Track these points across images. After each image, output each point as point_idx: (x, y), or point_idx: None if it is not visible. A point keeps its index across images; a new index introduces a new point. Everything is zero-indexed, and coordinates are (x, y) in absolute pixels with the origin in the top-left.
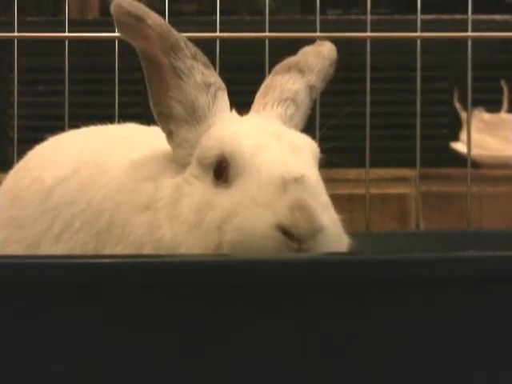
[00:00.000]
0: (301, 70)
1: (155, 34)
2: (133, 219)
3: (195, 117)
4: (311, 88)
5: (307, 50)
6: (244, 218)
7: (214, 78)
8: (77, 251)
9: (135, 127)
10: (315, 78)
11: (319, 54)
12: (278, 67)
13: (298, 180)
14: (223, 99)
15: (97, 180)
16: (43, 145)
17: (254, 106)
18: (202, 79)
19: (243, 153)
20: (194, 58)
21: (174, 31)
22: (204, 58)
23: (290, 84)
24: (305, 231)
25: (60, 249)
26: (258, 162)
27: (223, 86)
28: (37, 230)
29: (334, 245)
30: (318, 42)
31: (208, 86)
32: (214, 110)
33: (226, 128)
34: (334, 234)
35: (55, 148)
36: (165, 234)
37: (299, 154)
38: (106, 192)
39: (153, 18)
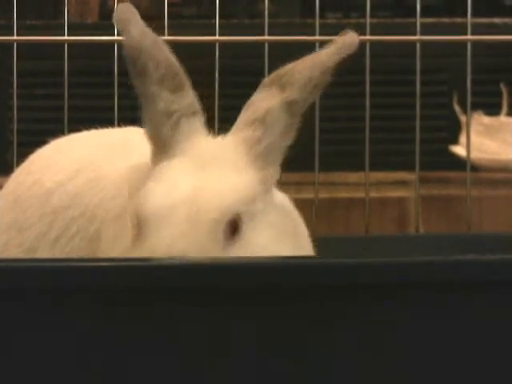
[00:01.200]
0: (282, 85)
1: (127, 55)
2: (107, 229)
3: (159, 145)
4: (290, 104)
5: (304, 59)
6: None
7: (179, 104)
8: (73, 256)
9: (137, 131)
10: (296, 93)
11: (310, 64)
12: (265, 80)
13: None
14: (189, 126)
15: (94, 185)
16: (45, 148)
17: (235, 124)
18: (165, 107)
19: (141, 224)
20: (160, 83)
21: (145, 53)
22: (173, 82)
23: (264, 102)
24: None
25: (57, 254)
26: (145, 240)
27: (192, 109)
28: (35, 234)
29: None
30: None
31: (170, 114)
32: (176, 140)
33: (143, 194)
34: None
35: (56, 151)
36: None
37: (192, 228)
38: (101, 197)
39: (128, 37)
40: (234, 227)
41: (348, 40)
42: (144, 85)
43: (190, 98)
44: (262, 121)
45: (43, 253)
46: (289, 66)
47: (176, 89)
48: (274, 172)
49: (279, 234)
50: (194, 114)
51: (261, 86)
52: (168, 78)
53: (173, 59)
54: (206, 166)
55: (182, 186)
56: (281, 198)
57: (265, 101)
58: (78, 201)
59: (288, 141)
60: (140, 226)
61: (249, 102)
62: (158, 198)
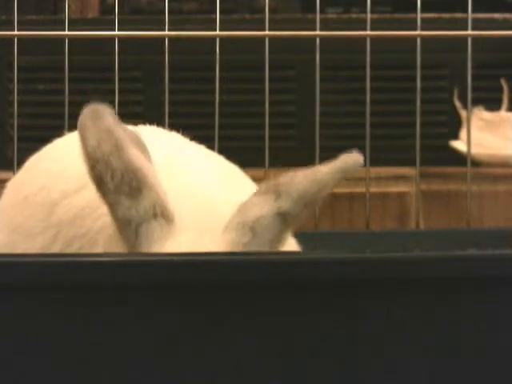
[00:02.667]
0: (278, 193)
1: (86, 162)
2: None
3: (126, 247)
4: (284, 215)
5: (305, 171)
6: None
7: (137, 209)
8: None
9: (156, 132)
10: (291, 204)
11: (310, 178)
12: (262, 185)
13: None
14: (149, 232)
15: (99, 204)
16: (57, 143)
17: (225, 226)
18: (123, 214)
19: None
20: (117, 191)
21: (101, 162)
22: (129, 187)
23: (257, 208)
24: None
25: None
26: None
27: (152, 213)
28: (39, 244)
29: None
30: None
31: (128, 221)
32: (140, 247)
33: None
34: None
35: (67, 154)
36: None
37: None
38: (103, 222)
39: (85, 145)
40: None
41: (351, 161)
42: (104, 195)
43: (149, 199)
44: (251, 227)
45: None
46: (288, 175)
47: (133, 194)
48: None
49: None
50: (154, 216)
51: (257, 190)
52: (124, 184)
53: (132, 163)
54: None
55: None
56: None
57: (258, 206)
58: (82, 218)
59: (278, 248)
60: None
61: (242, 204)
62: None
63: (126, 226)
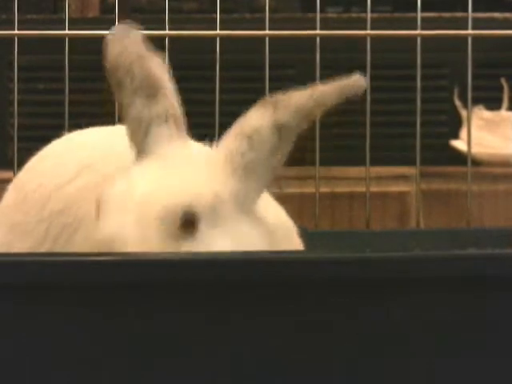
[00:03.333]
0: (276, 107)
1: (107, 68)
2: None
3: (134, 149)
4: (280, 127)
5: (306, 88)
6: None
7: (150, 111)
8: None
9: None
10: (288, 117)
11: (308, 93)
12: (261, 101)
13: (106, 245)
14: (158, 133)
15: (86, 193)
16: (57, 143)
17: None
18: (136, 114)
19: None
20: (134, 93)
21: (122, 69)
22: (147, 90)
23: (254, 120)
24: None
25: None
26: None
27: (164, 116)
28: (35, 239)
29: None
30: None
31: (139, 121)
32: (148, 146)
33: (105, 191)
34: None
35: (65, 150)
36: None
37: (140, 217)
38: (87, 210)
39: (108, 55)
40: (187, 225)
41: (353, 82)
42: (120, 95)
43: (163, 105)
44: (249, 137)
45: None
46: (289, 92)
47: (149, 97)
48: (258, 190)
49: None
50: (166, 120)
51: (257, 104)
52: (142, 88)
53: (152, 71)
54: (173, 167)
55: (141, 181)
56: (273, 218)
57: (256, 118)
58: (71, 206)
59: (276, 163)
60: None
61: (241, 117)
62: (116, 188)
63: (137, 126)
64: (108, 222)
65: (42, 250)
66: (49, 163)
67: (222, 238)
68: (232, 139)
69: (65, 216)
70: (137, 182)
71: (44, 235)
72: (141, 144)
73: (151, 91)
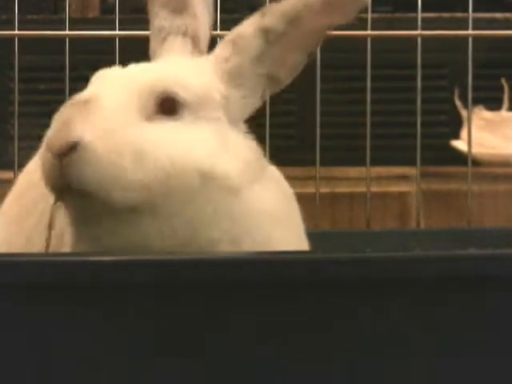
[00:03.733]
0: (264, 13)
1: None
2: None
3: (151, 59)
4: (266, 31)
5: None
6: None
7: (171, 22)
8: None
9: None
10: (273, 20)
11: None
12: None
13: (81, 102)
14: (173, 43)
15: None
16: None
17: None
18: (158, 24)
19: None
20: (164, 4)
21: None
22: (175, 4)
23: (240, 26)
24: (57, 145)
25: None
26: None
27: (183, 30)
28: (32, 222)
29: (99, 165)
30: None
31: (159, 30)
32: (160, 54)
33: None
34: (97, 154)
35: None
36: None
37: (122, 86)
38: None
39: None
40: (167, 108)
41: None
42: (152, 5)
43: (185, 20)
44: (233, 42)
45: (38, 240)
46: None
47: (175, 10)
48: (246, 98)
49: (222, 146)
50: (184, 34)
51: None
52: (172, 1)
53: None
54: (168, 64)
55: (130, 66)
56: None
57: (243, 26)
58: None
59: (264, 70)
60: None
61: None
62: (107, 70)
63: (157, 35)
64: (90, 88)
65: (40, 228)
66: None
67: (202, 131)
68: (219, 46)
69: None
70: (127, 68)
71: (41, 215)
72: (155, 53)
73: (179, 6)
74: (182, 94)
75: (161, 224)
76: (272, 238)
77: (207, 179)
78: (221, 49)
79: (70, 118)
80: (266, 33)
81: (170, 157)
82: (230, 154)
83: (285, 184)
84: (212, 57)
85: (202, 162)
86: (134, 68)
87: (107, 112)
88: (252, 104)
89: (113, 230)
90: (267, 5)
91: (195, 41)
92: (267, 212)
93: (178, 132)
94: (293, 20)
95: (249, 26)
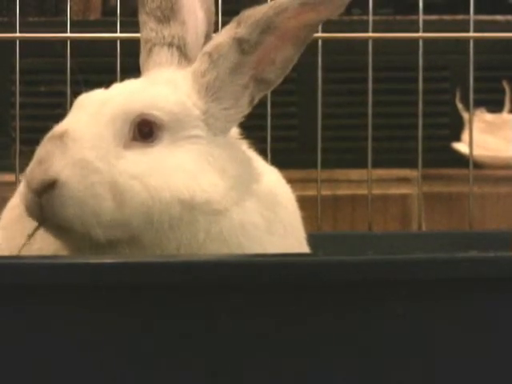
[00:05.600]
0: (238, 23)
1: None
2: None
3: (141, 71)
4: (240, 41)
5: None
6: None
7: (157, 33)
8: None
9: None
10: (246, 30)
11: (267, 5)
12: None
13: (57, 136)
14: (158, 55)
15: None
16: None
17: None
18: (145, 35)
19: None
20: (150, 13)
21: None
22: (161, 13)
23: (216, 38)
24: (36, 182)
25: (48, 237)
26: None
27: (169, 41)
28: (34, 223)
29: (78, 203)
30: None
31: (146, 41)
32: (147, 66)
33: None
34: (76, 192)
35: None
36: None
37: (94, 114)
38: None
39: None
40: (144, 132)
41: None
42: (140, 14)
43: (172, 30)
44: (209, 54)
45: (39, 240)
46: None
47: (161, 20)
48: (227, 110)
49: (207, 168)
50: (169, 45)
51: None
52: (159, 9)
53: None
54: (147, 82)
55: (110, 90)
56: (255, 161)
57: (217, 36)
58: None
59: (243, 79)
60: None
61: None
62: (88, 94)
63: (143, 46)
64: (66, 120)
65: (43, 234)
66: None
67: (182, 154)
68: (198, 59)
69: None
70: (105, 91)
71: None
72: (143, 65)
73: (165, 15)
74: (159, 115)
75: (143, 253)
76: (268, 250)
77: (189, 207)
78: (198, 63)
79: (47, 154)
80: (240, 44)
81: (149, 189)
82: (212, 174)
83: (283, 188)
84: (190, 71)
85: (181, 191)
86: (110, 91)
87: (83, 145)
88: (236, 114)
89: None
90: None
91: (182, 50)
92: (260, 225)
93: (155, 160)
94: (266, 28)
95: (222, 37)
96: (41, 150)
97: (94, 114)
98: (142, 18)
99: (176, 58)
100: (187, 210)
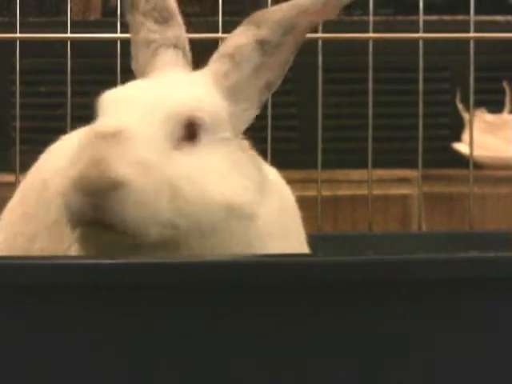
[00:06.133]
0: (258, 24)
1: None
2: None
3: (139, 72)
4: (262, 43)
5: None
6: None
7: (160, 34)
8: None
9: None
10: (268, 31)
11: (288, 5)
12: (246, 19)
13: (109, 135)
14: (165, 56)
15: None
16: (55, 143)
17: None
18: (145, 36)
19: (97, 111)
20: (146, 14)
21: None
22: (159, 14)
23: (237, 38)
24: (94, 184)
25: (54, 236)
26: (97, 121)
27: (173, 42)
28: (36, 222)
29: (141, 204)
30: None
31: (148, 42)
32: (152, 67)
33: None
34: (139, 193)
35: (62, 141)
36: None
37: (146, 113)
38: None
39: None
40: (190, 133)
41: None
42: (133, 16)
43: (174, 31)
44: (230, 56)
45: (42, 239)
46: (273, 7)
47: (161, 21)
48: (247, 110)
49: (236, 170)
50: (175, 46)
51: (242, 24)
52: (155, 11)
53: None
54: (174, 82)
55: (142, 86)
56: (265, 166)
57: (238, 37)
58: None
59: (262, 81)
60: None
61: (226, 38)
62: (117, 90)
63: (145, 47)
64: (111, 117)
65: (45, 225)
66: (45, 157)
67: (219, 157)
68: (215, 60)
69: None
70: (140, 88)
71: (46, 213)
72: (146, 65)
73: (163, 16)
74: (203, 117)
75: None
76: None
77: (230, 211)
78: (218, 63)
79: (103, 154)
80: (262, 45)
81: (199, 192)
82: (243, 179)
83: (285, 191)
84: (209, 72)
85: (226, 195)
86: (152, 90)
87: (140, 145)
88: (251, 115)
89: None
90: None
91: (184, 52)
92: (273, 230)
93: (201, 162)
94: (289, 29)
95: (244, 38)
96: (93, 150)
97: (145, 114)
98: (138, 18)
99: (181, 60)
100: (230, 214)
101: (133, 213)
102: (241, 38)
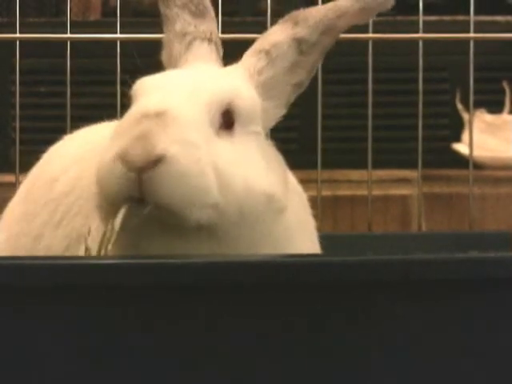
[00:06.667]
0: (296, 22)
1: None
2: None
3: (171, 64)
4: (300, 41)
5: (325, 4)
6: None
7: (196, 27)
8: (74, 235)
9: None
10: (307, 31)
11: (328, 6)
12: (285, 17)
13: (153, 114)
14: (200, 49)
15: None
16: (57, 143)
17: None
18: (181, 28)
19: (135, 95)
20: (183, 6)
21: None
22: (195, 7)
23: (273, 35)
24: (139, 159)
25: (59, 234)
26: (138, 103)
27: (208, 36)
28: (40, 222)
29: (185, 180)
30: None
31: (184, 34)
32: (185, 59)
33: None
34: (184, 168)
35: (67, 141)
36: None
37: (190, 97)
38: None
39: None
40: (226, 121)
41: None
42: (168, 7)
43: (208, 25)
44: (266, 52)
45: (47, 238)
46: (311, 8)
47: (196, 14)
48: (277, 107)
49: (268, 164)
50: (209, 40)
51: (279, 21)
52: (192, 3)
53: None
54: (212, 72)
55: (181, 73)
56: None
57: (275, 34)
58: (79, 184)
59: (295, 79)
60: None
61: (263, 34)
62: (155, 76)
63: (180, 40)
64: (153, 99)
65: (50, 225)
66: (49, 156)
67: (253, 149)
68: (251, 56)
69: (72, 194)
70: (180, 74)
71: (52, 213)
72: (180, 57)
73: (199, 9)
74: (242, 107)
75: (221, 245)
76: (303, 250)
77: (270, 203)
78: (253, 59)
79: (147, 131)
80: (299, 43)
81: (244, 179)
82: (274, 173)
83: (300, 189)
84: (244, 68)
85: (266, 184)
86: (193, 77)
87: (184, 125)
88: (280, 113)
89: (163, 243)
90: (268, 8)
91: (218, 45)
92: (298, 226)
93: (239, 151)
94: (326, 30)
95: (281, 36)
96: (137, 127)
97: (188, 97)
98: (174, 10)
99: (214, 54)
100: (269, 206)
101: (176, 188)
102: (278, 36)
